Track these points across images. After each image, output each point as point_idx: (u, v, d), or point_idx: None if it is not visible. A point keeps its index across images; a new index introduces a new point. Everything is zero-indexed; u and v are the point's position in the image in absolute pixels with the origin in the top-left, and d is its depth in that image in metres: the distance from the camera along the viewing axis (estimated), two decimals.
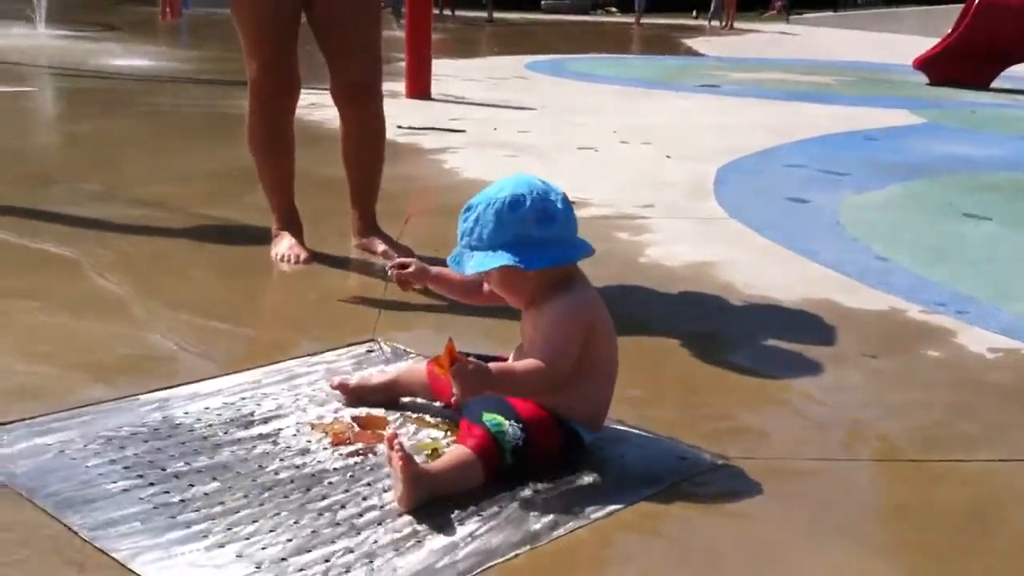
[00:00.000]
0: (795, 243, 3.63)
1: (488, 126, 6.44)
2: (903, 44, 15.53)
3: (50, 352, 2.36)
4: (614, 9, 33.30)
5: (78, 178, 4.44)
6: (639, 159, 5.51)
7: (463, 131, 6.14)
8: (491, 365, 1.83)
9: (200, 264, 3.20)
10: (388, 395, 2.16)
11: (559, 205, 1.89)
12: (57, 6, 14.22)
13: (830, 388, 2.35)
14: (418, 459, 1.79)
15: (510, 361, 1.96)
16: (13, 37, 12.10)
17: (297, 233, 3.30)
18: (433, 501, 1.73)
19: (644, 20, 25.05)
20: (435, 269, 2.12)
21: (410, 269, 2.12)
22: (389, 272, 2.17)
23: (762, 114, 7.70)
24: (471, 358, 1.81)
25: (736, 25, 24.86)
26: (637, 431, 2.05)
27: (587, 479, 1.85)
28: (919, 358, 2.58)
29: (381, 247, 3.31)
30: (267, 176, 3.34)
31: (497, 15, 25.77)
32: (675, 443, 2.01)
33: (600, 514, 1.73)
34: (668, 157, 5.52)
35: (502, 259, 1.85)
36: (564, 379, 1.87)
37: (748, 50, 16.67)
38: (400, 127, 6.12)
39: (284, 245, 3.24)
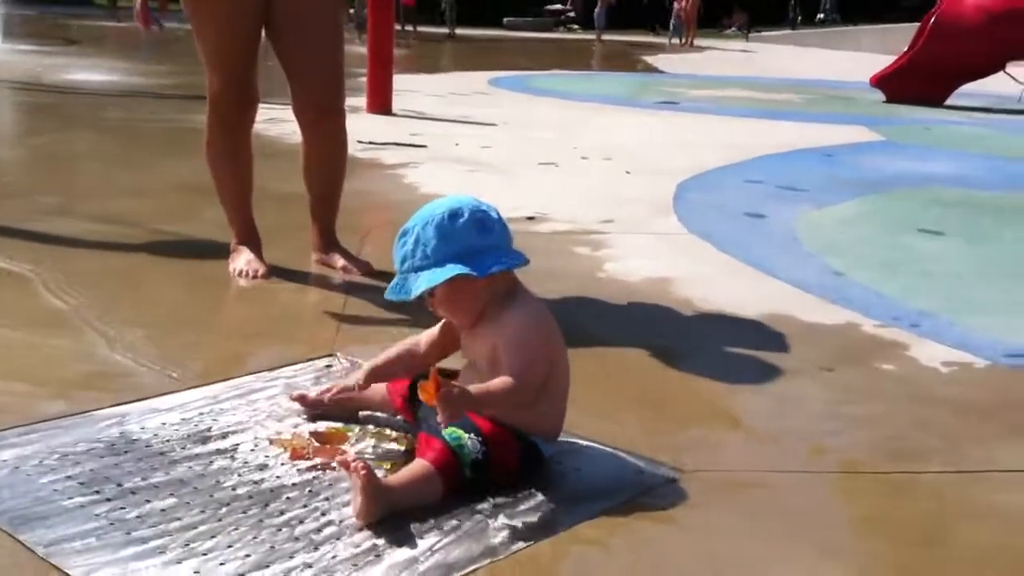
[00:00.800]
0: (753, 258, 3.67)
1: (449, 141, 6.46)
2: (861, 62, 15.76)
3: (5, 369, 2.33)
4: (575, 26, 33.51)
5: (34, 192, 4.39)
6: (599, 175, 5.55)
7: (424, 146, 6.15)
8: (471, 388, 1.84)
9: (158, 279, 3.18)
10: (347, 408, 2.16)
11: (494, 215, 1.93)
12: (16, 20, 14.06)
13: (787, 400, 2.38)
14: (378, 473, 1.79)
15: (460, 380, 1.96)
16: None
17: (255, 248, 3.29)
18: (392, 515, 1.72)
19: (605, 37, 25.24)
20: (367, 367, 2.06)
21: (349, 383, 2.08)
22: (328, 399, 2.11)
23: (721, 131, 7.78)
24: (452, 382, 1.83)
25: (696, 43, 25.11)
26: (594, 444, 2.06)
27: (545, 493, 1.85)
28: (875, 372, 2.61)
29: (341, 262, 3.31)
30: (225, 190, 3.33)
31: (459, 31, 25.85)
32: (632, 457, 2.02)
33: (559, 528, 1.74)
34: (628, 173, 5.56)
35: (452, 270, 1.86)
36: (535, 392, 1.88)
37: (708, 67, 16.84)
38: (361, 142, 6.11)
39: (242, 260, 3.23)
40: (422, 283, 1.88)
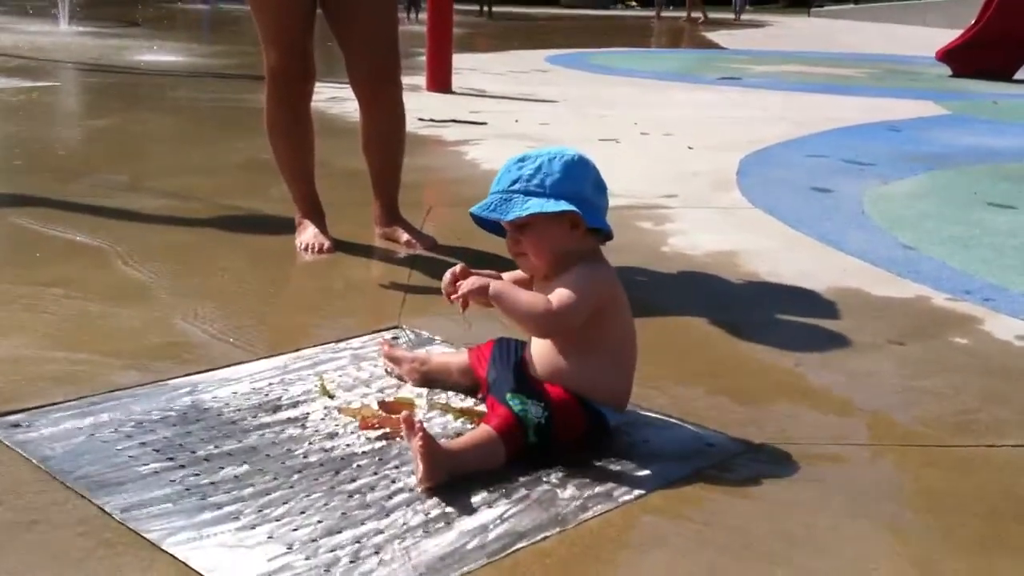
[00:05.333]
0: (820, 232, 3.62)
1: (509, 118, 6.44)
2: (925, 36, 15.42)
3: (81, 339, 2.38)
4: (634, 3, 33.19)
5: (104, 170, 4.47)
6: (661, 150, 5.50)
7: (484, 123, 6.14)
8: (501, 283, 1.92)
9: (226, 254, 3.22)
10: (421, 378, 2.18)
11: (604, 184, 1.97)
12: (80, 3, 14.30)
13: (858, 374, 2.34)
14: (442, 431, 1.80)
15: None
16: (37, 34, 12.19)
17: (320, 222, 3.32)
18: (459, 483, 1.73)
19: (664, 14, 24.96)
20: (493, 285, 1.94)
21: (469, 284, 1.95)
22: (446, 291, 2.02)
23: (784, 106, 7.66)
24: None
25: (757, 18, 24.73)
26: (663, 416, 2.05)
27: (613, 463, 1.85)
28: (947, 345, 2.56)
29: (404, 236, 3.32)
30: (286, 163, 3.35)
31: (519, 10, 25.73)
32: (701, 429, 2.01)
33: (628, 497, 1.74)
34: (690, 148, 5.50)
35: (567, 206, 1.86)
36: (561, 331, 1.89)
37: (770, 43, 16.58)
38: (421, 119, 6.13)
39: (308, 234, 3.25)
40: (532, 207, 1.87)
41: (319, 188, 3.40)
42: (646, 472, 1.82)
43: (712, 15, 22.99)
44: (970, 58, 10.53)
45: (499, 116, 6.48)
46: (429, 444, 1.73)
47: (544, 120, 6.41)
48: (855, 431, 2.06)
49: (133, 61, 9.65)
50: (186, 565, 1.49)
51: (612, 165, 5.00)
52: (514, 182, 1.90)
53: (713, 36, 18.21)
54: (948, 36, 11.86)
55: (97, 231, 3.33)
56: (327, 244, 3.21)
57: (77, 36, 12.36)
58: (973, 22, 11.01)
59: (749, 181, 4.59)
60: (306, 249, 3.21)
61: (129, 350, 2.32)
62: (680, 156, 5.31)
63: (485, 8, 22.59)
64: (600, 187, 1.94)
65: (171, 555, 1.51)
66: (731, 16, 24.06)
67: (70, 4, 13.82)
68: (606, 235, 1.96)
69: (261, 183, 4.06)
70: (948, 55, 10.88)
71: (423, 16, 15.18)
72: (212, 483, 1.73)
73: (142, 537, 1.56)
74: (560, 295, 1.87)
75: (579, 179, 1.90)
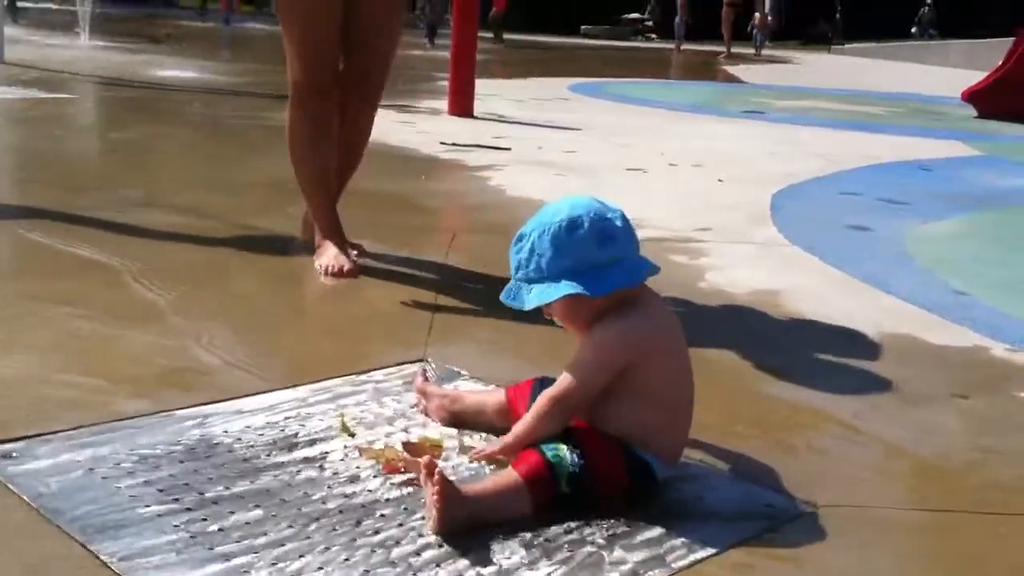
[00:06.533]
0: (864, 272, 3.44)
1: (533, 144, 6.30)
2: (948, 76, 15.29)
3: (85, 362, 2.22)
4: (653, 36, 33.18)
5: (118, 184, 4.33)
6: (690, 182, 5.34)
7: (508, 149, 6.00)
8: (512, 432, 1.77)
9: (243, 274, 3.06)
10: (451, 417, 2.02)
11: (618, 223, 1.76)
12: (103, 19, 14.27)
13: (923, 429, 2.16)
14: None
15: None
16: (59, 47, 12.14)
17: (340, 242, 3.16)
18: (495, 536, 1.56)
19: (684, 47, 24.91)
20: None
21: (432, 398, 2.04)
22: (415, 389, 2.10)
23: (812, 141, 7.51)
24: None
25: (777, 53, 24.66)
26: (714, 470, 1.88)
27: (664, 524, 1.67)
28: (1014, 401, 2.38)
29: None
30: (308, 180, 3.21)
31: (539, 39, 25.71)
32: (758, 486, 1.83)
33: (682, 563, 1.56)
34: (720, 180, 5.34)
35: (565, 288, 1.71)
36: (580, 406, 1.75)
37: (791, 79, 16.47)
38: (443, 143, 6.00)
39: (329, 255, 3.09)
40: (533, 299, 1.75)
41: (337, 208, 3.25)
42: (700, 535, 1.64)
43: (732, 49, 22.92)
44: (997, 99, 10.37)
45: (522, 142, 6.34)
46: (445, 489, 1.57)
47: (569, 148, 6.26)
48: (925, 494, 1.88)
49: (153, 76, 9.56)
50: None
51: (642, 195, 4.90)
52: (517, 268, 1.79)
53: (733, 70, 18.12)
54: (971, 77, 11.72)
55: (108, 247, 3.18)
56: (348, 266, 3.05)
57: (98, 51, 12.31)
58: (1000, 63, 10.87)
59: (784, 216, 4.42)
60: (327, 272, 3.05)
61: (136, 375, 2.16)
62: (711, 188, 5.15)
63: (495, 36, 22.63)
64: (606, 239, 1.72)
65: None
66: (751, 51, 24.01)
67: (92, 19, 13.80)
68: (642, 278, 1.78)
69: (280, 202, 3.90)
70: (974, 96, 10.73)
71: (439, 41, 15.14)
72: (221, 529, 1.56)
73: None
74: (573, 367, 1.75)
75: (574, 247, 1.72)
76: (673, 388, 1.79)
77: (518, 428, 1.76)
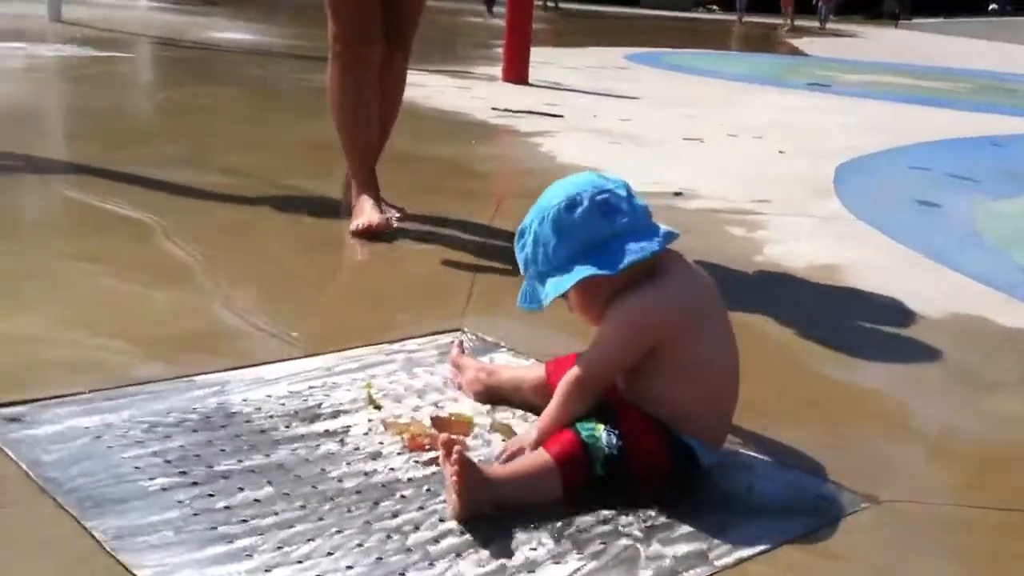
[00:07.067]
0: (931, 250, 3.25)
1: (587, 112, 6.13)
2: (1020, 54, 14.76)
3: (104, 321, 2.12)
4: (715, 7, 32.55)
5: (164, 142, 4.25)
6: (750, 153, 5.14)
7: (561, 116, 5.84)
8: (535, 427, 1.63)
9: (279, 236, 2.95)
10: (490, 392, 1.89)
11: (621, 192, 1.61)
12: None
13: (999, 421, 1.99)
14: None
15: None
16: (116, 8, 12.14)
17: (376, 198, 3.05)
18: (521, 522, 1.44)
19: (746, 18, 24.38)
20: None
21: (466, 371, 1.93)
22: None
23: (878, 115, 7.23)
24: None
25: (842, 27, 24.06)
26: (766, 458, 1.73)
27: (708, 516, 1.53)
28: None
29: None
30: (349, 134, 3.10)
31: (595, 8, 25.33)
32: (810, 477, 1.68)
33: (726, 560, 1.42)
34: (781, 152, 5.14)
35: (579, 273, 1.58)
36: (601, 386, 1.62)
37: (856, 52, 16.01)
38: (495, 109, 5.86)
39: (366, 211, 2.97)
40: (550, 292, 1.61)
41: (384, 172, 3.13)
42: (747, 529, 1.50)
43: (796, 22, 22.39)
44: None
45: (576, 110, 6.17)
46: (466, 470, 1.44)
47: (624, 116, 6.08)
48: (994, 491, 1.72)
49: (208, 38, 9.51)
50: None
51: (698, 165, 4.71)
52: (525, 266, 1.66)
53: (797, 43, 17.68)
54: None
55: (145, 204, 3.09)
56: (381, 221, 2.93)
57: (156, 12, 12.31)
58: None
59: (848, 190, 4.22)
60: (359, 228, 2.93)
61: (156, 337, 2.06)
62: (772, 160, 4.95)
63: (551, 3, 22.32)
64: (610, 211, 1.59)
65: None
66: (815, 24, 23.44)
67: None
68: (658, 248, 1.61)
69: (325, 164, 3.78)
70: None
71: (498, 10, 14.94)
72: (227, 507, 1.45)
73: (131, 573, 1.27)
74: (589, 352, 1.63)
75: (578, 226, 1.58)
76: (712, 365, 1.64)
77: (542, 421, 1.63)
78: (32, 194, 3.30)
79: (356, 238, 2.93)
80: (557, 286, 1.60)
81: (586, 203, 1.59)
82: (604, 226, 1.59)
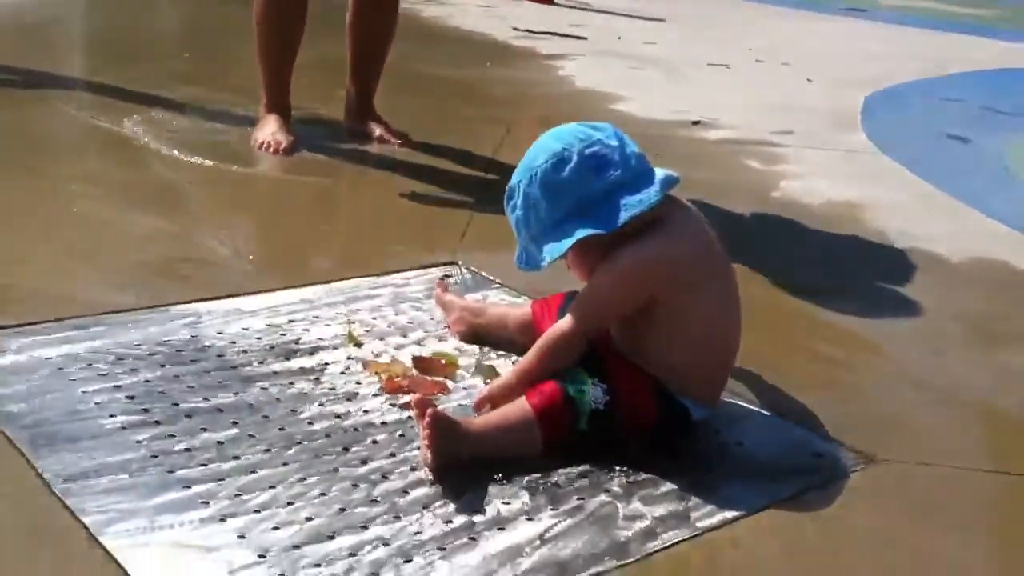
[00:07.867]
0: (958, 189, 3.11)
1: (611, 34, 5.94)
2: None
3: (81, 246, 2.05)
4: None
5: (169, 58, 4.14)
6: (776, 80, 4.96)
7: (584, 38, 5.65)
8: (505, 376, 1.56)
9: (274, 160, 2.85)
10: (477, 331, 1.81)
11: (611, 142, 1.50)
12: None
13: (1009, 377, 1.89)
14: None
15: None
16: None
17: (285, 117, 2.97)
18: (494, 476, 1.37)
19: None
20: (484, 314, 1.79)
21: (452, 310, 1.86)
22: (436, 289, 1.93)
23: (915, 43, 6.97)
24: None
25: None
26: (760, 411, 1.64)
27: (695, 470, 1.45)
28: None
29: (377, 131, 3.05)
30: (267, 47, 2.95)
31: None
32: (808, 433, 1.59)
33: (709, 522, 1.34)
34: (809, 80, 4.95)
35: (578, 232, 1.47)
36: (589, 333, 1.53)
37: None
38: (516, 29, 5.68)
39: (267, 130, 2.90)
40: (546, 255, 1.51)
41: (385, 90, 3.01)
42: (735, 489, 1.41)
43: None
44: None
45: (601, 31, 5.97)
46: (439, 431, 1.37)
47: (648, 39, 5.88)
48: (1006, 454, 1.63)
49: None
50: (123, 571, 1.14)
51: (721, 92, 4.55)
52: (518, 229, 1.56)
53: None
54: None
55: (140, 123, 3.00)
56: (285, 143, 2.85)
57: None
58: None
59: (875, 122, 4.05)
60: (260, 147, 2.85)
61: (133, 264, 1.99)
62: (797, 88, 4.77)
63: None
64: (602, 164, 1.48)
65: (106, 552, 1.16)
66: None
67: None
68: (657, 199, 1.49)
69: (328, 85, 3.66)
70: None
71: None
72: (187, 449, 1.38)
73: (77, 519, 1.21)
74: (578, 304, 1.54)
75: (569, 184, 1.48)
76: (713, 325, 1.53)
77: (517, 367, 1.54)
78: (25, 110, 3.20)
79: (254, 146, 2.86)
80: (554, 250, 1.50)
81: (575, 159, 1.49)
82: (596, 182, 1.48)
